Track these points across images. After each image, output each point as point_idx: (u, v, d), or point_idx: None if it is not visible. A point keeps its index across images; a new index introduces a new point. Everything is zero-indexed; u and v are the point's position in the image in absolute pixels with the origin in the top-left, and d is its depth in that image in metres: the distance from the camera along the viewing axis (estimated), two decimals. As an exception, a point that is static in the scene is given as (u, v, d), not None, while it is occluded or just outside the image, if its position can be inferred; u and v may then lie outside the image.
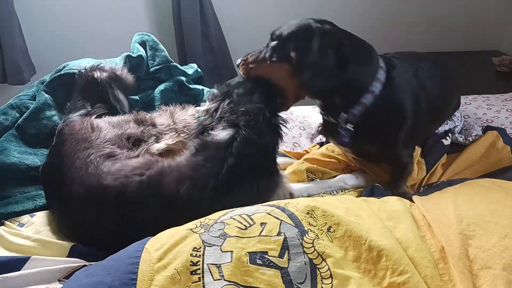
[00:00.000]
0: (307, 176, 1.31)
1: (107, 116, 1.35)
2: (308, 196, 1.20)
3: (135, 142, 1.25)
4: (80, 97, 1.43)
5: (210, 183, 1.01)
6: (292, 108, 1.39)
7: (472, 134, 1.48)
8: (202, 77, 1.95)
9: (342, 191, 1.25)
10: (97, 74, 1.47)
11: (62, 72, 1.58)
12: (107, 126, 1.26)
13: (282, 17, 2.63)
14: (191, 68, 1.92)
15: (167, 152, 1.30)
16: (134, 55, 1.74)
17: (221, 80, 1.49)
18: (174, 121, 1.39)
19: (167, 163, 1.08)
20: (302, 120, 1.77)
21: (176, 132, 1.36)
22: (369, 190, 1.22)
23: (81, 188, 1.06)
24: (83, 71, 1.50)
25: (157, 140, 1.29)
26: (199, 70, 1.94)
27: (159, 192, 1.02)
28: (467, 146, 1.45)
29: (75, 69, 1.58)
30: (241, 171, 1.04)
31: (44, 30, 2.43)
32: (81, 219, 1.08)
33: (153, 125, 1.35)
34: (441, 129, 1.50)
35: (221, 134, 1.08)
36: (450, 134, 1.49)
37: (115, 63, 1.71)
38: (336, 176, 1.30)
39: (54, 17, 2.42)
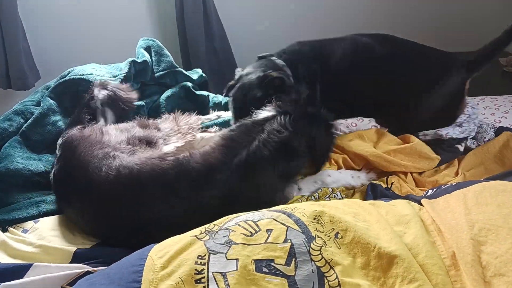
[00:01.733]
0: None
1: (112, 124, 1.37)
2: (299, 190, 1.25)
3: (146, 143, 1.26)
4: (85, 110, 1.44)
5: (238, 159, 1.09)
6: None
7: (485, 140, 1.46)
8: (206, 82, 1.95)
9: (336, 196, 1.25)
10: (96, 91, 1.47)
11: (67, 78, 1.58)
12: (115, 131, 1.27)
13: (284, 19, 2.64)
14: (195, 73, 1.91)
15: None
16: (139, 60, 1.73)
17: (225, 82, 1.50)
18: (178, 125, 1.41)
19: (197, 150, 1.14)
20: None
21: (182, 134, 1.38)
22: (370, 189, 1.22)
23: (111, 175, 1.09)
24: (91, 86, 1.51)
25: (166, 143, 1.31)
26: (203, 75, 1.94)
27: (191, 170, 1.07)
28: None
29: (79, 75, 1.58)
30: (269, 151, 1.11)
31: (49, 36, 2.44)
32: (116, 204, 1.09)
33: (158, 129, 1.36)
34: (455, 135, 1.49)
35: (263, 113, 1.20)
36: (463, 141, 1.48)
37: (120, 68, 1.71)
38: None
39: (59, 23, 2.43)
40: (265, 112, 1.20)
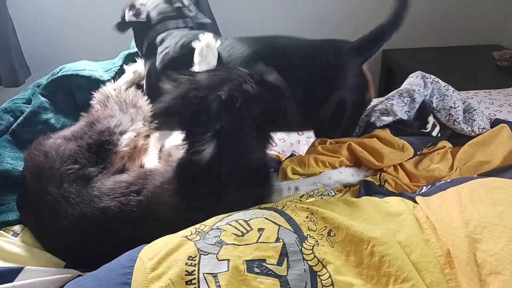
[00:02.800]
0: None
1: (59, 132, 1.24)
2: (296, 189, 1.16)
3: (97, 150, 1.12)
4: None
5: (205, 201, 0.97)
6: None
7: (480, 126, 1.44)
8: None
9: (329, 193, 1.20)
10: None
11: (59, 74, 1.56)
12: (62, 141, 1.13)
13: (278, 14, 2.62)
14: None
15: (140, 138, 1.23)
16: (132, 51, 1.72)
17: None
18: (126, 101, 1.29)
19: (158, 178, 1.02)
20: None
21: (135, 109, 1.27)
22: (363, 186, 1.20)
23: (68, 219, 1.00)
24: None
25: (122, 132, 1.18)
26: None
27: (159, 210, 0.98)
28: (474, 136, 1.42)
29: (72, 71, 1.56)
30: (233, 188, 0.98)
31: (39, 32, 2.40)
32: (75, 247, 1.03)
33: (110, 116, 1.23)
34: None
35: (206, 154, 0.95)
36: (435, 123, 1.47)
37: (113, 63, 1.69)
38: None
39: (49, 17, 2.39)
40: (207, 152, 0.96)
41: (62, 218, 1.01)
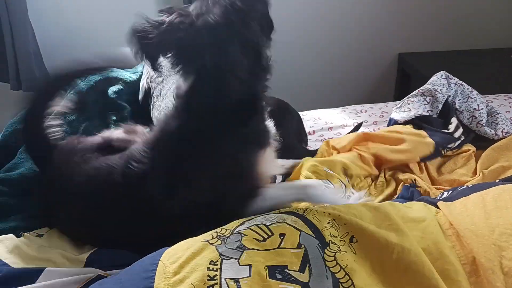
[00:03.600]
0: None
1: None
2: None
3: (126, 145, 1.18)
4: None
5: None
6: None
7: (503, 130, 1.42)
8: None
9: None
10: None
11: (97, 79, 1.61)
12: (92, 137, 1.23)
13: (284, 14, 2.62)
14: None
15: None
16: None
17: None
18: None
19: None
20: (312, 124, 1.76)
21: None
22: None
23: (94, 167, 1.06)
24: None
25: None
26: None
27: None
28: (497, 140, 1.40)
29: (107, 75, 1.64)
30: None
31: (58, 37, 2.44)
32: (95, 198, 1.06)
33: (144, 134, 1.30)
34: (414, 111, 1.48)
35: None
36: (458, 125, 1.45)
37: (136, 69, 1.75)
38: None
39: (68, 24, 2.43)
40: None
41: (86, 168, 1.07)
